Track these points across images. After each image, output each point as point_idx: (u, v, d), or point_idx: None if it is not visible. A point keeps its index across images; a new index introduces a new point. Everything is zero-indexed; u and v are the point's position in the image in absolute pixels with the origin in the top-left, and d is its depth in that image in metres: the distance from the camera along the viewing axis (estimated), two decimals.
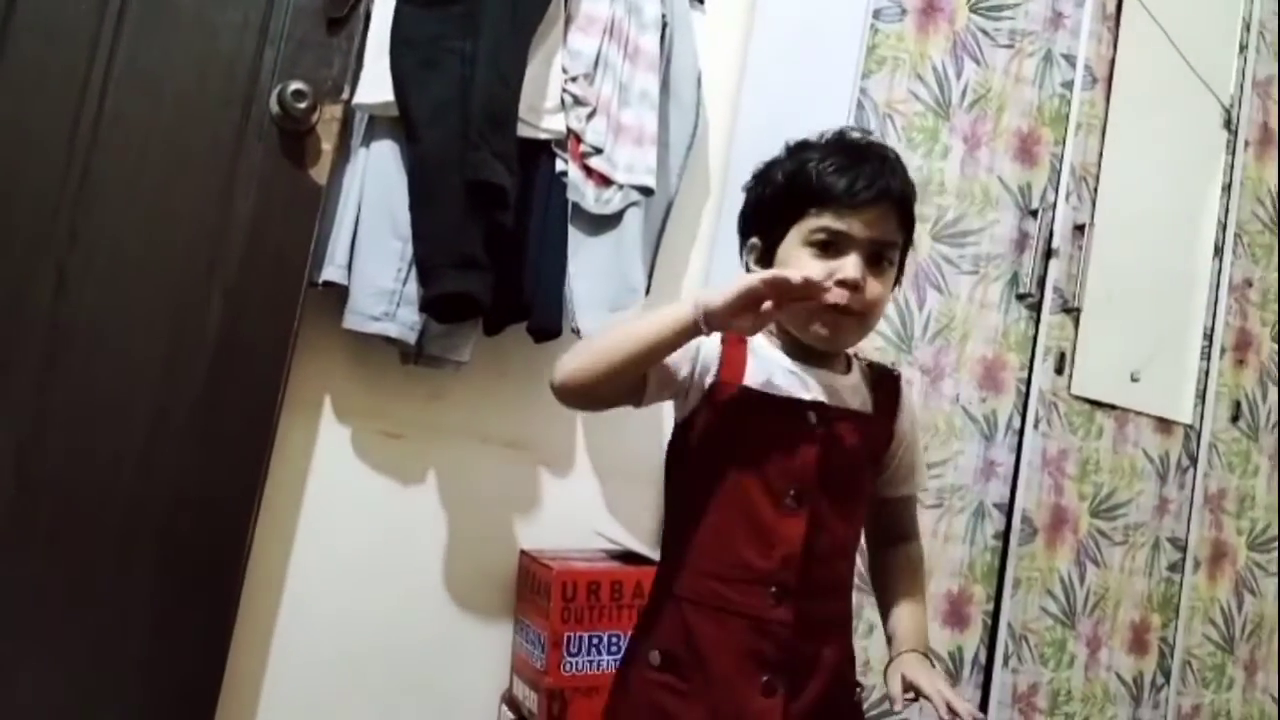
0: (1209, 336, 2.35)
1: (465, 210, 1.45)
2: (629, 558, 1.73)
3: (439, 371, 1.62)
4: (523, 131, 1.53)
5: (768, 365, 1.10)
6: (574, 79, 1.61)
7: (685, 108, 1.77)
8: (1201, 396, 2.33)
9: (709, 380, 1.09)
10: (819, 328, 1.08)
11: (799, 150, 1.13)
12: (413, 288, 1.49)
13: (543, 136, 1.59)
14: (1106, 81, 2.18)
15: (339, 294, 1.51)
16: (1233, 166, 2.39)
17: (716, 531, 1.08)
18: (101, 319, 1.36)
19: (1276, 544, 2.44)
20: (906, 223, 1.12)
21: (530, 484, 1.77)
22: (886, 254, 1.10)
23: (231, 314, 1.42)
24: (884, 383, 1.19)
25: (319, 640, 1.59)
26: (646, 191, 1.65)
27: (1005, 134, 2.07)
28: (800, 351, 1.12)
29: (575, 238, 1.62)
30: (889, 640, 1.18)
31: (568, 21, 1.62)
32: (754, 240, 1.15)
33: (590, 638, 1.58)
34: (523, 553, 1.70)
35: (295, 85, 1.41)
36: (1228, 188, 2.38)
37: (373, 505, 1.63)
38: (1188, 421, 2.31)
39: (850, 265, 1.06)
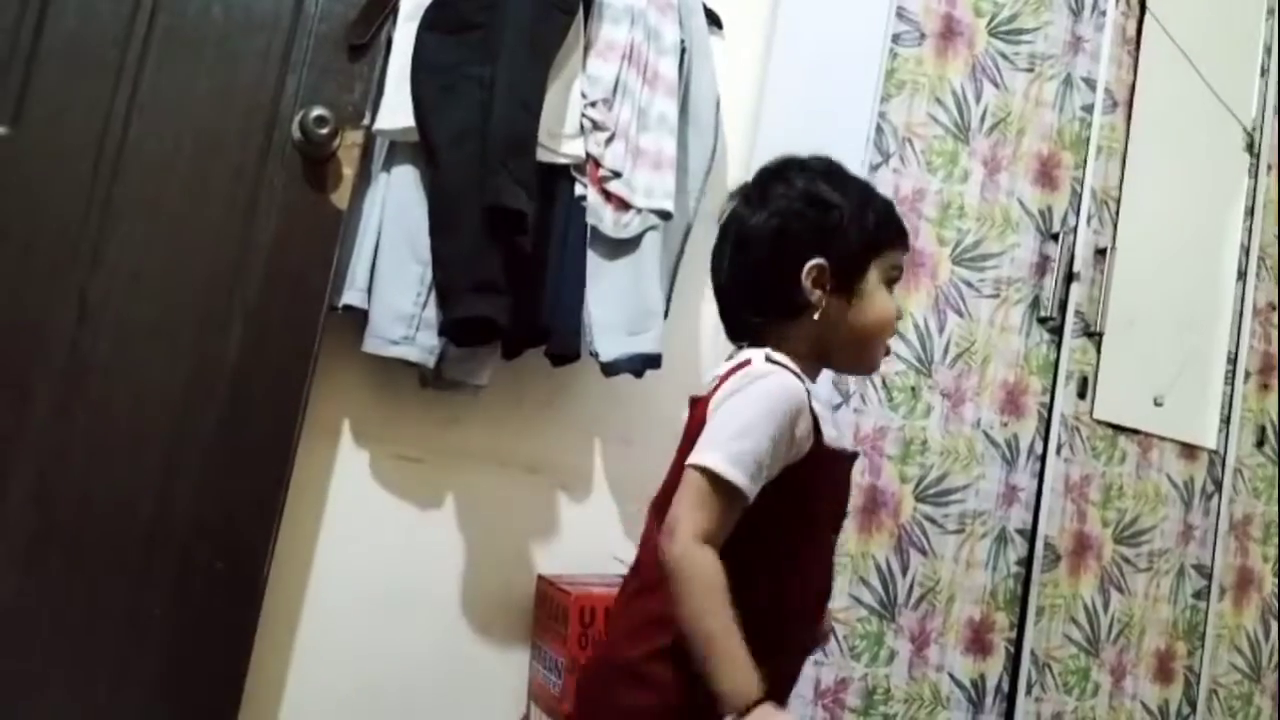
0: (1233, 361, 2.33)
1: (485, 235, 1.45)
2: None
3: (457, 395, 1.62)
4: (542, 156, 1.54)
5: (819, 410, 1.12)
6: (593, 104, 1.61)
7: (704, 132, 1.77)
8: (1226, 421, 2.31)
9: (808, 445, 1.08)
10: (879, 359, 1.21)
11: (869, 188, 1.21)
12: (432, 312, 1.49)
13: (562, 161, 1.59)
14: (1127, 105, 2.17)
15: (358, 318, 1.52)
16: (1255, 190, 2.37)
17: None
18: (123, 344, 1.37)
19: None
20: None
21: (548, 508, 1.76)
22: None
23: (252, 338, 1.43)
24: None
25: (336, 664, 1.58)
26: (665, 215, 1.65)
27: (1025, 157, 2.06)
28: (809, 372, 1.16)
29: (594, 262, 1.62)
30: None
31: (587, 47, 1.63)
32: (819, 261, 1.13)
33: None
34: (540, 577, 1.69)
35: (317, 111, 1.42)
36: (1251, 211, 2.36)
37: (391, 529, 1.63)
38: (1212, 447, 2.28)
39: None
